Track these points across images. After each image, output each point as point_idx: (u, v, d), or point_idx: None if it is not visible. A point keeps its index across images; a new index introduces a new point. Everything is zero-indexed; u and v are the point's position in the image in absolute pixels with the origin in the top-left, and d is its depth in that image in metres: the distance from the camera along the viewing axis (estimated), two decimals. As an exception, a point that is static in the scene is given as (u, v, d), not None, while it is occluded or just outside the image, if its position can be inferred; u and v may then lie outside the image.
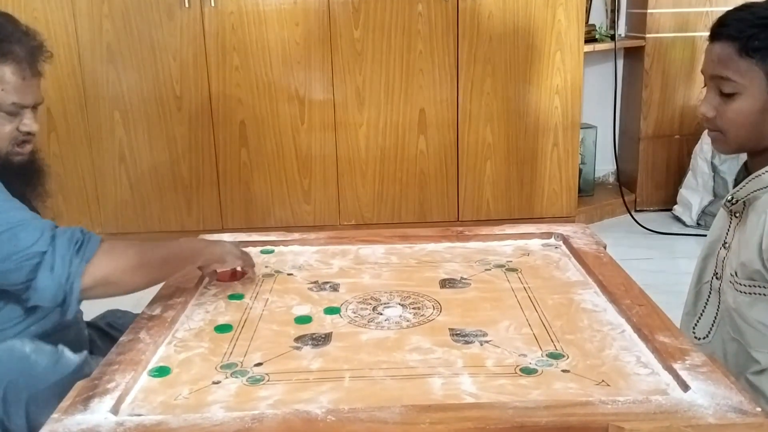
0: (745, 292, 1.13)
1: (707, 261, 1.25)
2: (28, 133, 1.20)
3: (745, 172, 1.16)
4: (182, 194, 3.02)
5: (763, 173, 1.09)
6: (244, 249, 1.43)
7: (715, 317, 1.22)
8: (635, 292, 1.23)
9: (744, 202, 1.13)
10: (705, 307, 1.24)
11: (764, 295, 1.10)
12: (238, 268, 1.34)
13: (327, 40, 2.89)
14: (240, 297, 1.30)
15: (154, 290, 1.28)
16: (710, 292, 1.24)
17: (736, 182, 1.17)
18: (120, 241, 1.16)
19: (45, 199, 1.29)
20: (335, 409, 0.89)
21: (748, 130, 1.07)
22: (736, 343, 1.16)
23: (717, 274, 1.20)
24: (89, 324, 1.43)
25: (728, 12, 1.07)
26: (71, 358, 1.14)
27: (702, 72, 1.13)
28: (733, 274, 1.14)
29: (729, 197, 1.15)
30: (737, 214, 1.16)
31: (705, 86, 1.13)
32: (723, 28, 1.06)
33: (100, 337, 1.43)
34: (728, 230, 1.19)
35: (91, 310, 1.43)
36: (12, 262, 1.06)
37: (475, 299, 1.27)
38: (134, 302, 1.40)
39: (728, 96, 1.06)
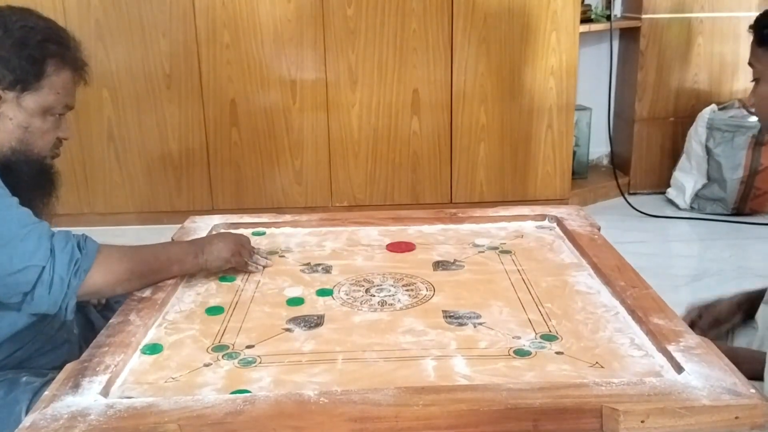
0: None
1: None
2: (63, 139, 1.25)
3: None
4: (172, 174, 2.99)
5: None
6: (238, 232, 1.41)
7: None
8: (629, 274, 1.22)
9: None
10: None
11: None
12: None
13: (319, 17, 2.86)
14: (231, 279, 1.28)
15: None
16: None
17: None
18: (116, 250, 1.16)
19: (52, 205, 1.30)
20: (328, 391, 0.88)
21: None
22: None
23: None
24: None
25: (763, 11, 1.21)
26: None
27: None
28: None
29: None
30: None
31: None
32: (750, 27, 1.20)
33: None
34: None
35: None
36: (9, 278, 1.06)
37: (469, 281, 1.26)
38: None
39: (756, 83, 1.18)
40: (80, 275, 1.09)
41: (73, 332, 1.31)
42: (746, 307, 1.32)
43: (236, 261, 1.28)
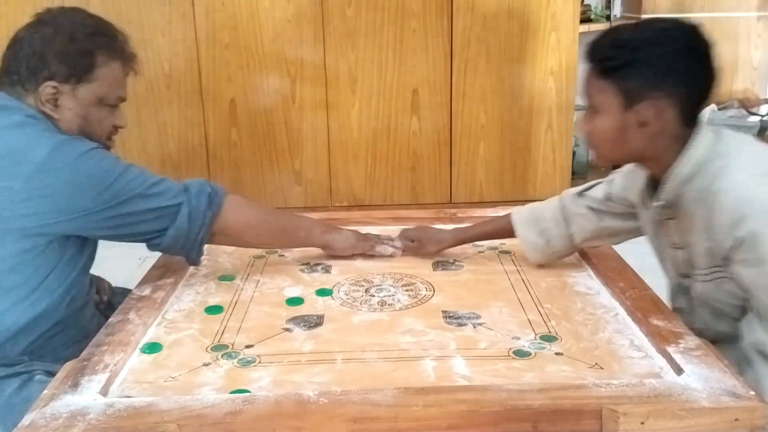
0: (707, 281, 1.12)
1: (665, 266, 1.25)
2: (119, 127, 1.31)
3: (650, 181, 1.17)
4: (171, 174, 2.97)
5: (675, 169, 1.09)
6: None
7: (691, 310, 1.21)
8: (629, 275, 1.23)
9: (668, 211, 1.14)
10: (691, 304, 1.22)
11: (725, 277, 1.09)
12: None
13: (319, 17, 2.85)
14: (231, 278, 1.29)
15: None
16: (688, 290, 1.22)
17: (648, 193, 1.17)
18: (246, 198, 1.28)
19: None
20: (327, 391, 0.88)
21: (612, 146, 1.11)
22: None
23: (682, 273, 1.19)
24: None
25: (597, 36, 1.13)
26: None
27: None
28: (699, 267, 1.13)
29: (662, 203, 1.13)
30: (669, 216, 1.15)
31: None
32: (588, 52, 1.11)
33: None
34: (669, 233, 1.17)
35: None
36: (156, 213, 1.16)
37: (469, 281, 1.26)
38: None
39: (593, 113, 1.11)
40: (214, 208, 1.19)
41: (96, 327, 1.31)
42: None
43: (362, 246, 1.35)
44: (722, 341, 1.10)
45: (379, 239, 1.39)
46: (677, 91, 1.06)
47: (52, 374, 1.16)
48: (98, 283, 1.45)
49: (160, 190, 1.17)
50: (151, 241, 1.18)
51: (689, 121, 1.08)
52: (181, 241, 1.17)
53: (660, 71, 1.05)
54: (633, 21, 1.13)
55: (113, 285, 1.52)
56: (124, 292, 1.50)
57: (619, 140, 1.09)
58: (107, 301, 1.44)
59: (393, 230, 1.52)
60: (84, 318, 1.24)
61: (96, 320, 1.28)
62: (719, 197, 1.03)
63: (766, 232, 1.00)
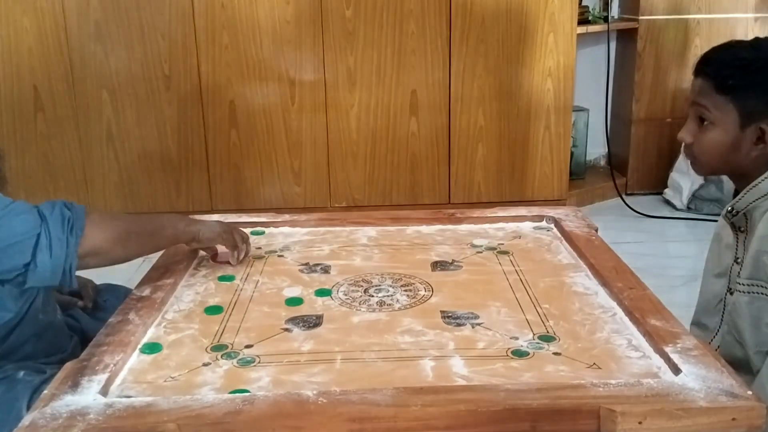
0: (745, 292, 1.13)
1: (715, 280, 1.25)
2: None
3: (736, 193, 1.20)
4: (171, 175, 3.00)
5: (759, 182, 1.12)
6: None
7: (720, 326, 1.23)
8: (627, 275, 1.23)
9: (745, 214, 1.16)
10: (720, 324, 1.24)
11: (762, 294, 1.11)
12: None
13: (318, 19, 2.86)
14: (230, 278, 1.29)
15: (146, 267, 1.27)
16: (724, 308, 1.24)
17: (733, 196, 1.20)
18: (107, 212, 1.19)
19: (3, 185, 1.28)
20: (327, 391, 0.88)
21: (718, 160, 1.14)
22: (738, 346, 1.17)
23: (731, 289, 1.21)
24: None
25: (711, 50, 1.15)
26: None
27: (686, 101, 1.20)
28: (743, 277, 1.16)
29: (729, 208, 1.18)
30: (741, 229, 1.18)
31: (688, 115, 1.20)
32: (704, 66, 1.13)
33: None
34: (737, 246, 1.20)
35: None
36: (12, 250, 1.06)
37: (467, 282, 1.27)
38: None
39: (704, 126, 1.13)
40: (76, 232, 1.09)
41: (57, 316, 1.31)
42: None
43: (226, 238, 1.31)
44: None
45: (245, 239, 1.35)
46: None
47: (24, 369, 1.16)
48: (81, 289, 1.44)
49: (13, 224, 1.06)
50: (15, 279, 1.08)
51: None
52: (47, 274, 1.08)
53: None
54: (750, 39, 1.13)
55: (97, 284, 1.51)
56: (109, 288, 1.50)
57: (729, 155, 1.12)
58: (94, 303, 1.44)
59: (392, 230, 1.53)
60: (36, 311, 1.23)
61: (50, 310, 1.26)
62: None
63: None
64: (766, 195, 1.11)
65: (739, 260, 1.18)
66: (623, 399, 0.85)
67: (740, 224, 1.18)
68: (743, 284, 1.14)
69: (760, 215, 1.12)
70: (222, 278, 1.29)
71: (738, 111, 1.10)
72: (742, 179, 1.15)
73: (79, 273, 1.40)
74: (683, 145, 1.19)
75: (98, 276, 1.57)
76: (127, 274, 1.67)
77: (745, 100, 1.09)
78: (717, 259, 1.26)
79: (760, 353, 1.09)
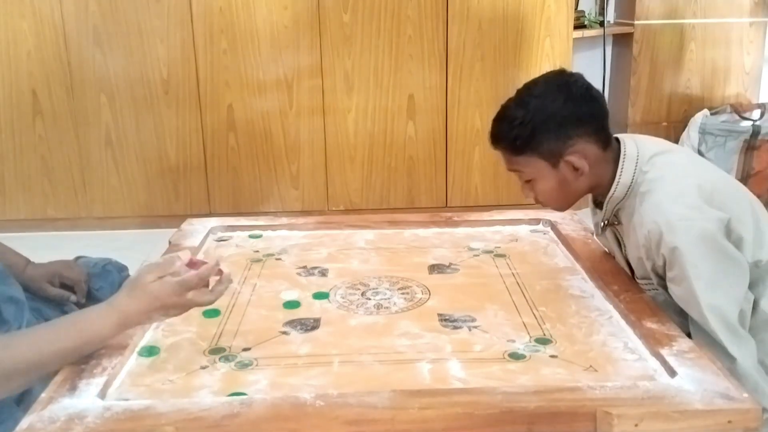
0: (646, 290, 1.19)
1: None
2: None
3: (594, 203, 1.31)
4: (169, 179, 3.00)
5: (612, 194, 1.20)
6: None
7: None
8: (623, 278, 1.24)
9: (616, 215, 1.24)
10: None
11: (657, 289, 1.18)
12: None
13: (316, 23, 2.87)
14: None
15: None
16: None
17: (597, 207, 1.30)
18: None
19: None
20: (324, 394, 0.89)
21: (563, 199, 1.24)
22: None
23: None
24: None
25: (492, 123, 1.22)
26: None
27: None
28: (637, 276, 1.24)
29: (602, 224, 1.27)
30: (615, 224, 1.26)
31: None
32: (494, 142, 1.22)
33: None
34: (615, 236, 1.28)
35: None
36: None
37: (464, 285, 1.27)
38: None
39: (530, 183, 1.22)
40: None
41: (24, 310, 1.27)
42: None
43: (174, 313, 1.01)
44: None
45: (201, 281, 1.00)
46: (583, 130, 1.17)
47: None
48: (75, 284, 1.41)
49: None
50: None
51: (607, 142, 1.20)
52: None
53: (560, 127, 1.15)
54: (515, 96, 1.23)
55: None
56: (102, 274, 1.48)
57: (564, 191, 1.21)
58: (87, 293, 1.42)
59: (390, 234, 1.53)
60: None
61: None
62: (644, 218, 1.13)
63: (682, 246, 1.06)
64: (622, 199, 1.20)
65: (623, 246, 1.26)
66: (619, 401, 0.86)
67: (615, 222, 1.26)
68: (641, 283, 1.21)
69: (627, 217, 1.20)
70: (220, 282, 1.29)
71: (540, 159, 1.17)
72: (600, 190, 1.23)
73: (72, 262, 1.39)
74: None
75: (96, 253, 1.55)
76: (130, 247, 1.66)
77: (539, 148, 1.17)
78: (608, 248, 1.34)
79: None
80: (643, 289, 1.19)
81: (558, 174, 1.18)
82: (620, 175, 1.19)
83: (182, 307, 0.99)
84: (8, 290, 1.26)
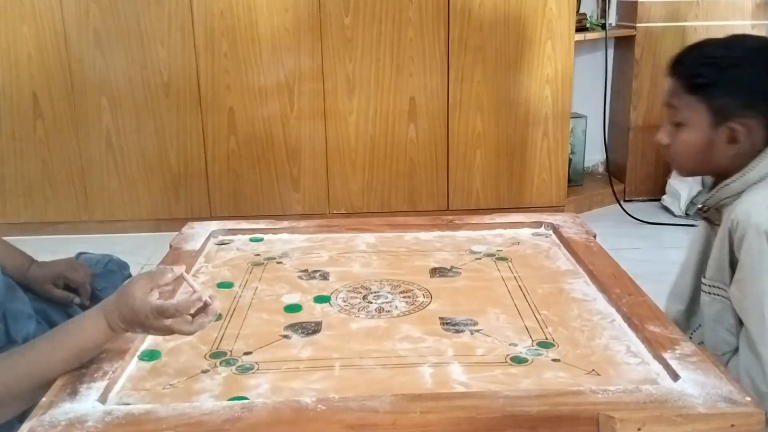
0: (706, 292, 1.15)
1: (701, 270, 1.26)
2: None
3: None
4: (170, 182, 3.00)
5: (731, 182, 1.12)
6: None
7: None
8: (625, 281, 1.23)
9: (718, 209, 1.16)
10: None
11: (721, 297, 1.12)
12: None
13: (317, 26, 2.87)
14: (229, 285, 1.29)
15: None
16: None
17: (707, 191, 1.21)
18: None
19: None
20: (325, 398, 0.88)
21: (694, 161, 1.14)
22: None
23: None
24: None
25: (683, 49, 1.14)
26: None
27: (662, 103, 1.19)
28: (706, 277, 1.17)
29: (700, 205, 1.19)
30: (716, 222, 1.18)
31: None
32: (675, 66, 1.14)
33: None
34: (710, 242, 1.21)
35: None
36: None
37: (466, 288, 1.27)
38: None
39: (678, 126, 1.12)
40: None
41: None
42: None
43: (154, 333, 0.96)
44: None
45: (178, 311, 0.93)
46: (766, 110, 1.07)
47: None
48: (79, 286, 1.41)
49: None
50: None
51: None
52: None
53: (751, 92, 1.06)
54: (721, 37, 1.13)
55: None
56: (105, 274, 1.48)
57: (704, 155, 1.11)
58: (91, 295, 1.42)
59: (391, 237, 1.53)
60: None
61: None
62: (738, 207, 1.06)
63: (755, 254, 1.02)
64: (736, 195, 1.10)
65: (707, 257, 1.19)
66: (622, 405, 0.85)
67: (715, 219, 1.18)
68: (706, 284, 1.15)
69: (728, 214, 1.12)
70: (221, 285, 1.29)
71: (708, 110, 1.09)
72: (723, 179, 1.14)
73: (76, 262, 1.39)
74: (661, 146, 1.18)
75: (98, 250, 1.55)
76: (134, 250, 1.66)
77: (714, 99, 1.08)
78: (694, 252, 1.27)
79: (715, 357, 1.09)
80: (706, 291, 1.13)
81: (712, 135, 1.09)
82: (752, 169, 1.08)
83: (161, 330, 0.94)
84: (15, 306, 1.26)
